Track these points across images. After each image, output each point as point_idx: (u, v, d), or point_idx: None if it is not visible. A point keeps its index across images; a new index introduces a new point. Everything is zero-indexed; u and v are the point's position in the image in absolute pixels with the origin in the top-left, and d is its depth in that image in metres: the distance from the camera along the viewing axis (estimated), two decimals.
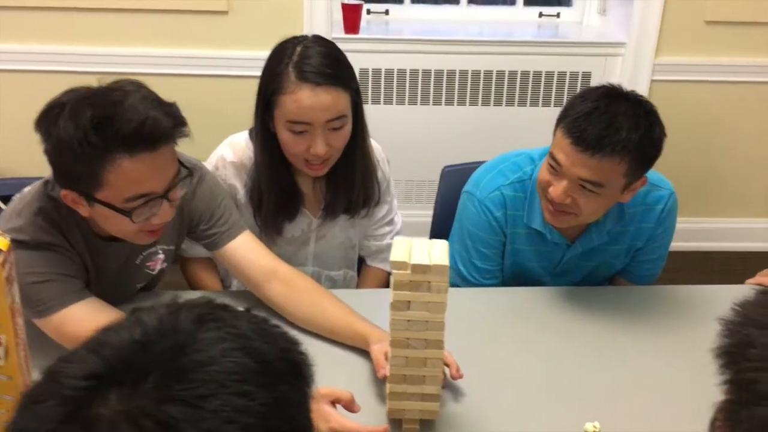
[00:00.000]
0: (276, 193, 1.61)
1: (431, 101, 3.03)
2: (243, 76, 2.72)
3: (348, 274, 1.81)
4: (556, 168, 1.45)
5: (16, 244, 1.22)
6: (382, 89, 2.99)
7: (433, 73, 2.98)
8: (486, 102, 3.04)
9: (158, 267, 1.53)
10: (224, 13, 2.80)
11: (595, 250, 1.64)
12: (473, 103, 3.04)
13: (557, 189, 1.45)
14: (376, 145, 1.74)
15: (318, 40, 1.53)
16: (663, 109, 2.98)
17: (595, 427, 1.24)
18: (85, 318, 1.31)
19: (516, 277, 1.70)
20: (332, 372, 1.36)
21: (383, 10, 3.16)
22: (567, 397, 1.32)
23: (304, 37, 1.52)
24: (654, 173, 1.65)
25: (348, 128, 1.54)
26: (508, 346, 1.46)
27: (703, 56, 3.02)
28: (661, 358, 1.44)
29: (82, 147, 1.17)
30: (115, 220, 1.27)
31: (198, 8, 2.76)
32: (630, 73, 3.01)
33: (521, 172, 1.61)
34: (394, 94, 3.00)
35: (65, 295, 1.33)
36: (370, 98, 2.98)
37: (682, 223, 3.06)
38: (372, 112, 2.90)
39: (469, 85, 3.01)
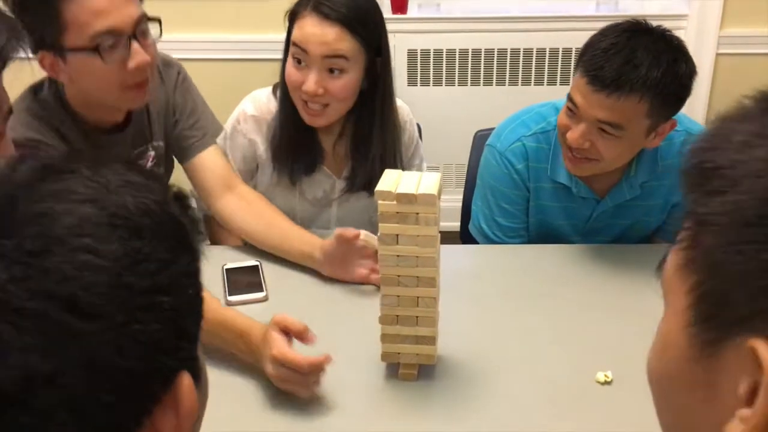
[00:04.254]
0: (292, 137, 1.58)
1: (482, 82, 2.96)
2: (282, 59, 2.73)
3: None
4: (573, 110, 1.37)
5: None
6: (431, 70, 2.94)
7: (483, 53, 2.91)
8: (539, 81, 2.95)
9: (148, 165, 1.54)
10: None
11: (628, 205, 1.55)
12: (525, 82, 2.95)
13: (575, 132, 1.37)
14: (402, 104, 1.69)
15: None
16: (729, 83, 2.88)
17: (606, 376, 1.16)
18: None
19: (542, 236, 1.61)
20: (324, 311, 1.34)
21: None
22: (579, 347, 1.25)
23: None
24: (693, 122, 1.55)
25: (350, 78, 1.49)
26: (522, 299, 1.39)
27: None
28: None
29: None
30: (92, 70, 1.27)
31: None
32: (693, 47, 2.85)
33: (545, 122, 1.53)
34: (443, 75, 2.95)
35: None
36: (419, 80, 2.94)
37: None
38: (420, 95, 2.91)
39: (521, 64, 2.93)
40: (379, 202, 1.06)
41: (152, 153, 1.55)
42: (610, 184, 1.53)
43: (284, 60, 1.54)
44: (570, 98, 1.38)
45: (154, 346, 0.47)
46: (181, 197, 0.56)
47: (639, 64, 1.29)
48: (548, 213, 1.58)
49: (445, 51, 2.91)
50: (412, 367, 1.16)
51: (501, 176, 1.56)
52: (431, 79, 2.95)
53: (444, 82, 2.95)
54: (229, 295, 1.38)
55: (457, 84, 2.96)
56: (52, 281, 0.44)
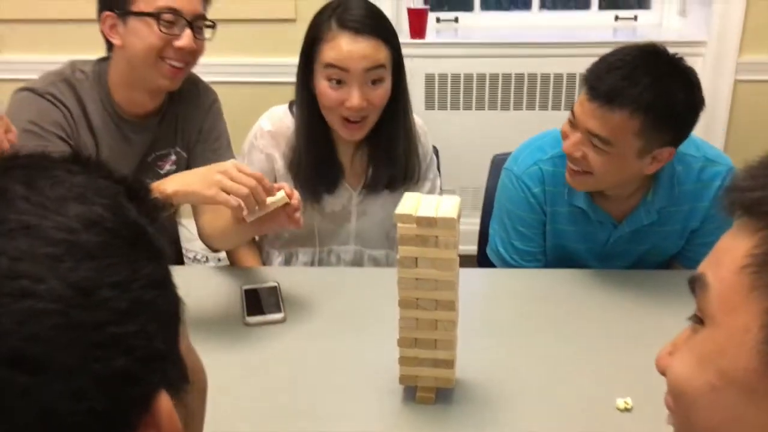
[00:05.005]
0: (315, 157, 1.60)
1: (499, 106, 2.97)
2: None
3: (390, 255, 1.77)
4: (572, 120, 1.39)
5: (24, 89, 1.48)
6: (449, 95, 2.96)
7: (501, 78, 2.93)
8: (556, 106, 2.96)
9: (166, 168, 1.61)
10: (293, 20, 2.86)
11: (645, 231, 1.54)
12: (543, 107, 2.96)
13: (569, 141, 1.40)
14: (416, 117, 1.72)
15: None
16: (748, 109, 2.87)
17: (626, 403, 1.15)
18: None
19: (560, 260, 1.61)
20: (342, 333, 1.34)
21: (453, 18, 3.14)
22: (598, 373, 1.23)
23: None
24: (711, 148, 1.54)
25: (387, 85, 1.52)
26: (541, 324, 1.38)
27: None
28: None
29: None
30: (145, 34, 1.45)
31: (266, 16, 2.84)
32: (711, 73, 2.86)
33: (561, 146, 1.54)
34: (461, 99, 2.97)
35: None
36: (436, 104, 2.96)
37: None
38: (438, 118, 2.93)
39: (538, 89, 2.94)
40: (399, 225, 1.06)
41: (174, 157, 1.62)
42: (628, 209, 1.53)
43: (302, 81, 1.56)
44: (571, 109, 1.41)
45: (120, 380, 0.42)
46: (136, 189, 0.51)
47: (636, 82, 1.30)
48: (565, 237, 1.58)
49: (462, 75, 2.93)
50: (430, 390, 1.16)
51: (518, 200, 1.56)
52: (449, 103, 2.97)
53: (462, 106, 2.97)
54: (248, 315, 1.38)
55: (474, 108, 2.98)
56: None
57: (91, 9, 1.55)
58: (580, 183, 1.45)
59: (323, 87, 1.51)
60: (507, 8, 3.26)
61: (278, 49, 2.90)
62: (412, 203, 1.08)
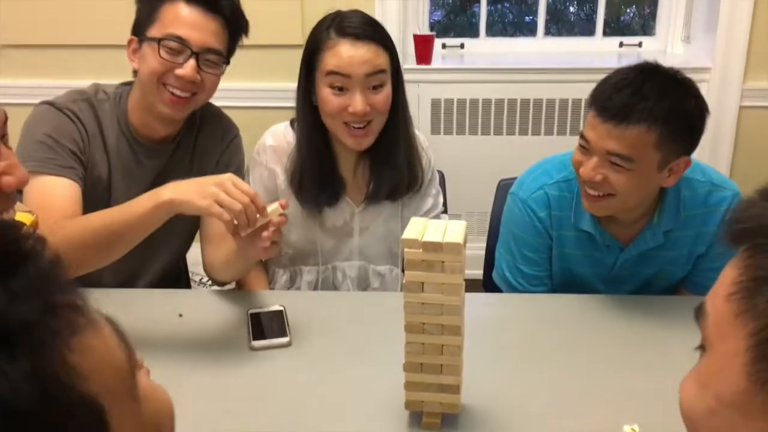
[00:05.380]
0: (316, 169, 1.62)
1: (505, 131, 2.99)
2: None
3: (393, 271, 1.78)
4: (585, 146, 1.39)
5: (45, 103, 1.52)
6: (455, 120, 2.98)
7: (506, 103, 2.95)
8: (561, 131, 2.97)
9: None
10: (300, 46, 2.88)
11: (652, 254, 1.54)
12: (548, 132, 2.98)
13: (587, 166, 1.39)
14: (418, 132, 1.74)
15: (356, 10, 1.59)
16: (753, 135, 2.88)
17: (633, 429, 1.14)
18: (42, 192, 1.43)
19: (566, 284, 1.61)
20: (347, 357, 1.34)
21: (458, 44, 3.17)
22: (604, 399, 1.23)
23: (341, 11, 1.59)
24: (717, 173, 1.55)
25: (388, 90, 1.56)
26: (546, 349, 1.38)
27: None
28: None
29: None
30: (149, 59, 1.48)
31: (274, 42, 2.86)
32: (716, 99, 2.87)
33: (567, 171, 1.54)
34: (467, 124, 2.99)
35: (47, 162, 1.46)
36: (442, 129, 2.98)
37: None
38: (444, 143, 2.94)
39: (543, 114, 2.96)
40: (405, 249, 1.06)
41: None
42: (634, 233, 1.53)
43: (303, 94, 1.59)
44: (582, 135, 1.41)
45: None
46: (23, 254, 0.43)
47: (647, 96, 1.32)
48: (572, 261, 1.58)
49: (468, 101, 2.95)
50: (436, 416, 1.16)
51: (524, 224, 1.57)
52: (455, 128, 2.98)
53: (467, 131, 2.98)
54: (253, 339, 1.38)
55: (480, 133, 2.99)
56: None
57: (101, 35, 1.58)
58: (602, 207, 1.45)
59: (325, 95, 1.53)
60: (512, 34, 3.29)
61: (285, 75, 2.91)
62: (419, 228, 1.09)
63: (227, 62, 1.57)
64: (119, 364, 0.46)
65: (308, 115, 1.60)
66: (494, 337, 1.44)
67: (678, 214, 1.50)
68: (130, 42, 1.53)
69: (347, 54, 1.50)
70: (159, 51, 1.47)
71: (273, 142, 1.66)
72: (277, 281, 1.75)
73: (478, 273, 1.91)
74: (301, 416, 1.19)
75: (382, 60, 1.53)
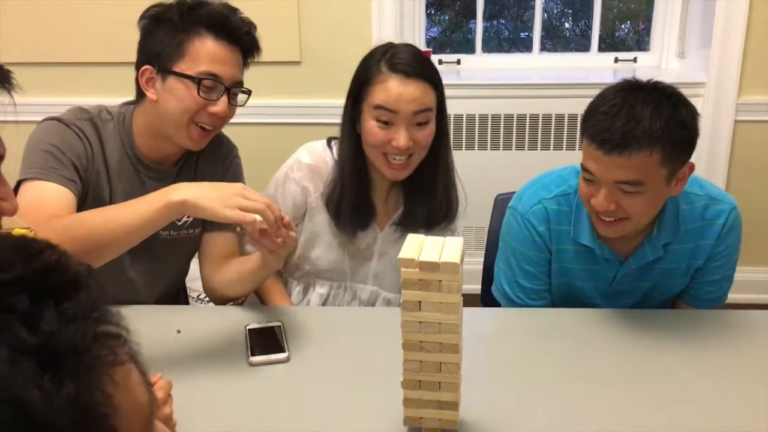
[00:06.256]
0: (355, 194, 1.64)
1: (502, 146, 3.01)
2: (316, 123, 2.81)
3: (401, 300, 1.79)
4: (590, 179, 1.40)
5: (51, 119, 1.53)
6: (451, 135, 2.98)
7: (503, 118, 2.97)
8: (558, 146, 2.99)
9: (183, 218, 1.62)
10: (297, 63, 2.91)
11: (651, 267, 1.56)
12: (545, 147, 3.00)
13: (598, 199, 1.39)
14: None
15: (407, 44, 1.60)
16: (748, 149, 2.90)
17: None
18: (38, 193, 1.44)
19: (565, 298, 1.62)
20: (346, 373, 1.35)
21: (455, 60, 3.20)
22: (603, 414, 1.24)
23: (393, 43, 1.60)
24: (714, 187, 1.57)
25: (432, 126, 1.57)
26: (545, 364, 1.39)
27: None
28: (716, 384, 1.33)
29: (176, 21, 1.45)
30: (182, 95, 1.47)
31: (272, 59, 2.87)
32: (711, 114, 2.90)
33: (566, 185, 1.56)
34: (464, 139, 3.01)
35: (50, 170, 1.46)
36: None
37: (762, 273, 2.86)
38: None
39: (540, 129, 2.98)
40: (402, 269, 1.07)
41: None
42: (633, 246, 1.54)
43: (349, 122, 1.61)
44: (584, 168, 1.41)
45: None
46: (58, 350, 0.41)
47: (641, 118, 1.32)
48: (571, 275, 1.60)
49: (465, 116, 2.97)
50: (435, 431, 1.17)
51: (523, 238, 1.58)
52: (452, 144, 2.99)
53: (464, 146, 3.00)
54: (252, 355, 1.39)
55: (477, 148, 3.01)
56: None
57: (101, 53, 1.58)
58: (618, 230, 1.45)
59: (371, 126, 1.55)
60: (508, 50, 3.31)
61: (284, 91, 2.94)
62: (415, 247, 1.10)
63: (249, 93, 1.59)
64: (143, 404, 0.46)
65: (353, 142, 1.61)
66: (492, 351, 1.45)
67: (677, 227, 1.51)
68: (144, 71, 1.50)
69: (397, 90, 1.51)
70: (198, 90, 1.46)
71: (311, 161, 1.68)
72: (291, 291, 1.77)
73: (476, 288, 1.92)
74: None
75: (430, 98, 1.54)
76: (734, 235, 1.55)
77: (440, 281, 1.07)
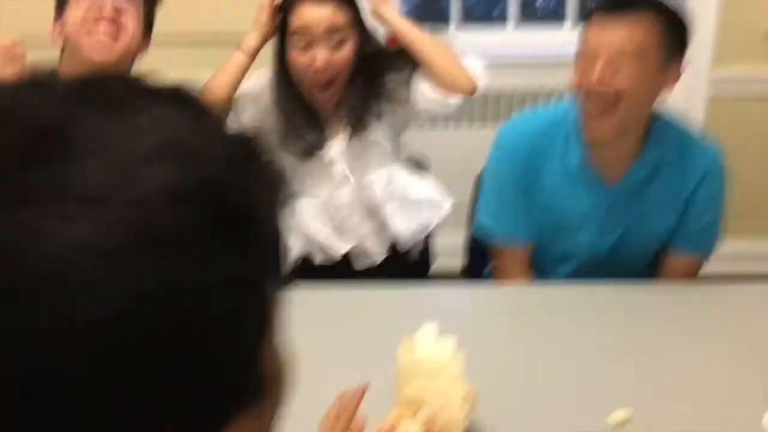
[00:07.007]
0: (293, 117, 1.72)
1: (488, 125, 2.98)
2: None
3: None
4: (587, 54, 1.41)
5: None
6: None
7: (489, 96, 2.94)
8: None
9: None
10: None
11: (641, 193, 1.55)
12: None
13: (594, 71, 1.39)
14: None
15: None
16: (722, 125, 2.90)
17: (625, 414, 1.15)
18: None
19: (549, 230, 1.61)
20: (334, 360, 1.33)
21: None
22: (589, 389, 1.24)
23: None
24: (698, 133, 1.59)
25: (349, 47, 1.67)
26: (529, 341, 1.40)
27: (764, 70, 2.89)
28: (698, 353, 1.34)
29: None
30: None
31: None
32: (684, 90, 2.90)
33: (553, 114, 1.58)
34: (447, 117, 2.97)
35: None
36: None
37: (740, 245, 2.88)
38: (419, 138, 2.92)
39: (514, 106, 2.96)
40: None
41: None
42: (623, 170, 1.54)
43: (279, 54, 1.71)
44: (580, 52, 1.43)
45: (185, 405, 0.35)
46: (253, 149, 0.39)
47: None
48: (557, 196, 1.58)
49: None
50: None
51: (506, 166, 1.59)
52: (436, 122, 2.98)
53: (450, 125, 2.98)
54: None
55: (462, 128, 2.99)
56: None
57: None
58: (606, 123, 1.43)
59: (294, 57, 1.67)
60: (483, 26, 3.28)
61: None
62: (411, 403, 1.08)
63: None
64: None
65: (282, 76, 1.71)
66: (479, 329, 1.44)
67: (668, 144, 1.52)
68: None
69: (308, 13, 1.64)
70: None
71: (254, 86, 1.77)
72: None
73: (457, 264, 1.93)
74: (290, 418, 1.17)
75: (341, 18, 1.65)
76: (720, 179, 1.56)
77: None
